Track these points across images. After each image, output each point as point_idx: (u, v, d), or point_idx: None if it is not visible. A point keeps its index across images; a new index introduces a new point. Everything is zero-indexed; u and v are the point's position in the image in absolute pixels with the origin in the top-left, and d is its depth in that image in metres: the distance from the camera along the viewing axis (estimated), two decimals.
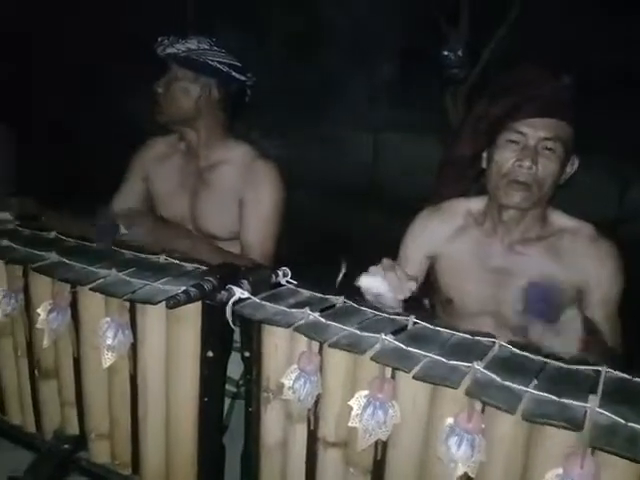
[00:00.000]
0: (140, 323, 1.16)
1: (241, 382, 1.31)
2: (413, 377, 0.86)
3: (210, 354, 1.12)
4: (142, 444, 1.24)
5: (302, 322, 0.98)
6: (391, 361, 0.89)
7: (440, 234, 1.46)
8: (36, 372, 1.36)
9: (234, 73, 1.67)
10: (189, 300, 1.03)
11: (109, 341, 1.16)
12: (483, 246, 1.41)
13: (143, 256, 1.28)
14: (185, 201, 1.75)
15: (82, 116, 4.49)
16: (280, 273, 1.15)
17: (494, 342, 0.95)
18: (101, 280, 1.14)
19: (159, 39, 1.65)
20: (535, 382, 0.86)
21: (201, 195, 1.73)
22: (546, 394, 0.82)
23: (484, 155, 1.40)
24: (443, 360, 0.89)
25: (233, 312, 1.04)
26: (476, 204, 1.45)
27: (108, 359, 1.16)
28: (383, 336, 0.93)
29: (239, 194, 1.69)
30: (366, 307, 1.06)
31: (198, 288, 1.05)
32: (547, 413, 0.78)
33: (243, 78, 1.69)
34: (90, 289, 1.11)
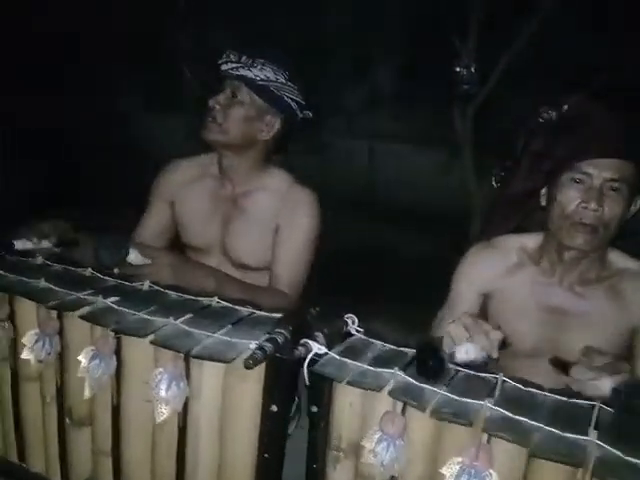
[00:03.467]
0: (195, 374, 1.07)
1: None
2: (530, 454, 0.80)
3: (274, 409, 1.04)
4: None
5: (393, 385, 0.91)
6: (507, 433, 0.83)
7: (494, 271, 1.41)
8: (67, 420, 1.25)
9: (299, 111, 1.60)
10: (265, 357, 0.95)
11: (162, 393, 1.06)
12: (540, 285, 1.37)
13: (193, 299, 1.19)
14: (216, 228, 1.66)
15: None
16: (349, 322, 1.08)
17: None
18: (160, 331, 1.04)
19: (227, 53, 1.56)
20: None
21: (234, 222, 1.64)
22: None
23: (542, 192, 1.36)
24: (557, 432, 0.83)
25: (311, 370, 0.96)
26: (531, 241, 1.41)
27: (162, 412, 1.07)
28: (487, 403, 0.87)
29: (275, 222, 1.61)
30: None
31: (272, 343, 0.97)
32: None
33: (305, 116, 1.62)
34: (151, 342, 1.02)
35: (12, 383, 1.31)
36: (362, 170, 4.21)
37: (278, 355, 0.97)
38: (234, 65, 1.56)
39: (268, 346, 0.96)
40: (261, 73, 1.55)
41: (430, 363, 0.94)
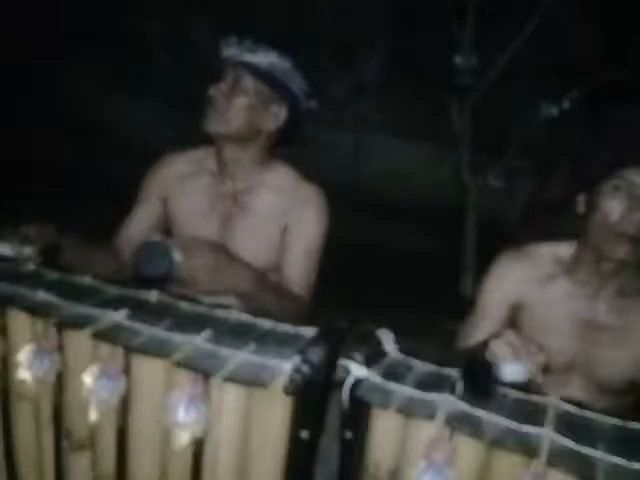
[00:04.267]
0: (215, 396, 0.98)
1: None
2: None
3: (305, 435, 0.96)
4: None
5: (446, 412, 0.84)
6: (570, 465, 0.76)
7: (525, 281, 1.33)
8: (65, 442, 1.14)
9: (304, 100, 1.50)
10: (305, 381, 0.86)
11: (181, 417, 0.97)
12: (575, 298, 1.30)
13: (208, 311, 1.09)
14: (214, 227, 1.54)
15: None
16: (385, 338, 1.00)
17: None
18: (182, 350, 0.95)
19: (229, 38, 1.44)
20: None
21: (236, 220, 1.54)
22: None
23: (581, 199, 1.29)
24: (621, 462, 0.77)
25: (353, 396, 0.88)
26: (564, 250, 1.34)
27: (181, 438, 0.97)
28: (548, 432, 0.80)
29: (282, 220, 1.52)
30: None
31: (309, 364, 0.88)
32: None
33: (311, 106, 1.52)
34: (175, 363, 0.92)
35: (2, 403, 1.19)
36: (348, 163, 4.12)
37: (316, 379, 0.89)
38: (237, 51, 1.45)
39: (305, 368, 0.87)
40: (266, 59, 1.44)
41: (481, 381, 0.86)
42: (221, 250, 1.33)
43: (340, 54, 3.69)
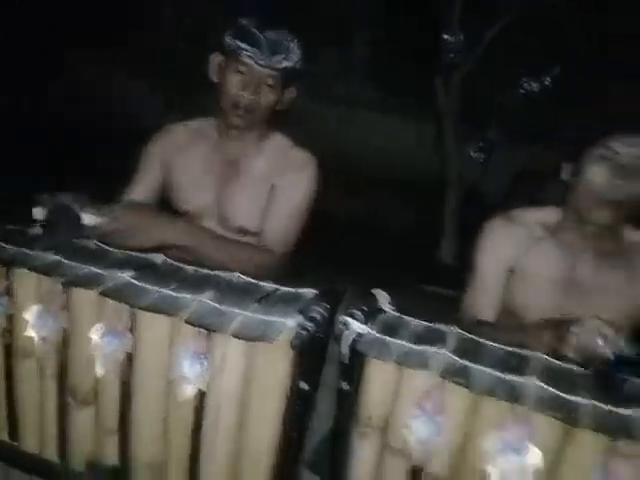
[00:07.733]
0: (218, 351, 1.03)
1: None
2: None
3: (305, 387, 1.02)
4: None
5: (443, 365, 0.90)
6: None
7: (518, 245, 1.40)
8: (69, 398, 1.18)
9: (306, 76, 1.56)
10: (311, 336, 0.92)
11: (185, 371, 1.02)
12: (560, 259, 1.38)
13: (211, 273, 1.14)
14: (212, 191, 1.59)
15: None
16: (381, 298, 1.05)
17: None
18: (191, 309, 0.99)
19: (255, 40, 1.45)
20: None
21: (231, 184, 1.59)
22: None
23: (566, 167, 1.36)
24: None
25: (354, 350, 0.94)
26: (549, 215, 1.41)
27: (185, 391, 1.03)
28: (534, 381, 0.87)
29: (271, 181, 1.57)
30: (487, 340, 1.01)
31: (312, 321, 0.94)
32: None
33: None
34: (186, 321, 0.96)
35: (5, 359, 1.22)
36: (332, 136, 4.16)
37: (318, 335, 0.94)
38: (264, 55, 1.47)
39: (310, 325, 0.93)
40: (294, 56, 1.50)
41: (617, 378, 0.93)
42: (144, 210, 1.39)
43: (330, 31, 3.70)
